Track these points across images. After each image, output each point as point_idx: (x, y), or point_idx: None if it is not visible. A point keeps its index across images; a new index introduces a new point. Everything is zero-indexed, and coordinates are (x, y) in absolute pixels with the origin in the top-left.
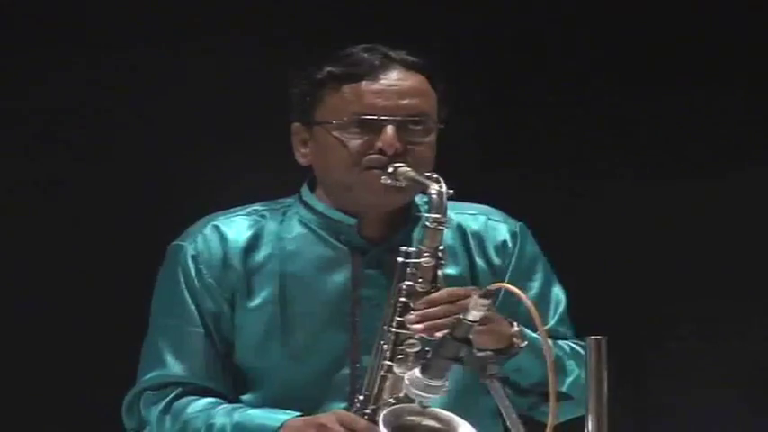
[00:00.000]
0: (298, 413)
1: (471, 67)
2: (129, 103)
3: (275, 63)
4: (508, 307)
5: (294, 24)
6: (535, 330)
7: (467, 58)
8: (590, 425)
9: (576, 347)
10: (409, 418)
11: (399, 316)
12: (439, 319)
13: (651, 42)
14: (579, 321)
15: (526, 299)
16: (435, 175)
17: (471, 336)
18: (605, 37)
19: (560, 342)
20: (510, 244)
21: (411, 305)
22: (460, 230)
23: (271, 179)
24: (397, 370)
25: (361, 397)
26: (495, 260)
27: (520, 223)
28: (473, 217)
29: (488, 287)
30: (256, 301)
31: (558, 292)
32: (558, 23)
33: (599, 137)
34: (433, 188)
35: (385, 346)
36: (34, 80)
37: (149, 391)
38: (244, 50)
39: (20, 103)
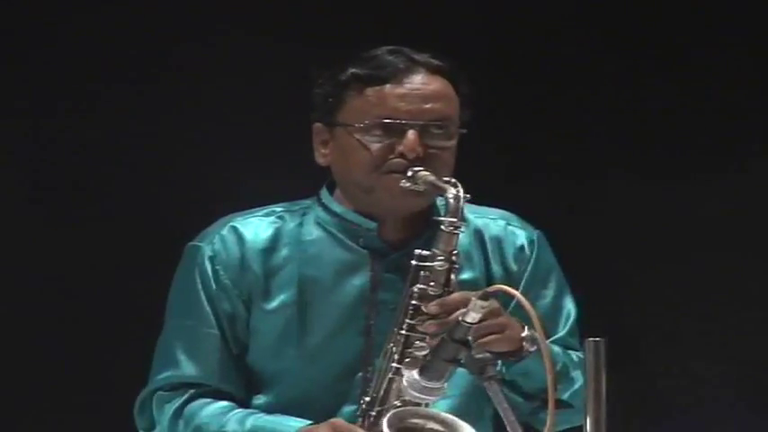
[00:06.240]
0: (308, 422)
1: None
2: (145, 104)
3: (291, 63)
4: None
5: (310, 24)
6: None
7: (472, 58)
8: (588, 427)
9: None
10: (413, 420)
11: (410, 319)
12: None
13: (657, 41)
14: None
15: (525, 302)
16: (453, 180)
17: (469, 337)
18: (608, 37)
19: (570, 352)
20: (527, 251)
21: (423, 308)
22: (478, 235)
23: (287, 180)
24: (404, 373)
25: (368, 399)
26: (512, 266)
27: (538, 231)
28: (493, 221)
29: (487, 289)
30: (274, 304)
31: (570, 303)
32: (562, 24)
33: (599, 137)
34: (450, 192)
35: (394, 348)
36: (48, 80)
37: (162, 392)
38: (259, 50)
39: (35, 101)
